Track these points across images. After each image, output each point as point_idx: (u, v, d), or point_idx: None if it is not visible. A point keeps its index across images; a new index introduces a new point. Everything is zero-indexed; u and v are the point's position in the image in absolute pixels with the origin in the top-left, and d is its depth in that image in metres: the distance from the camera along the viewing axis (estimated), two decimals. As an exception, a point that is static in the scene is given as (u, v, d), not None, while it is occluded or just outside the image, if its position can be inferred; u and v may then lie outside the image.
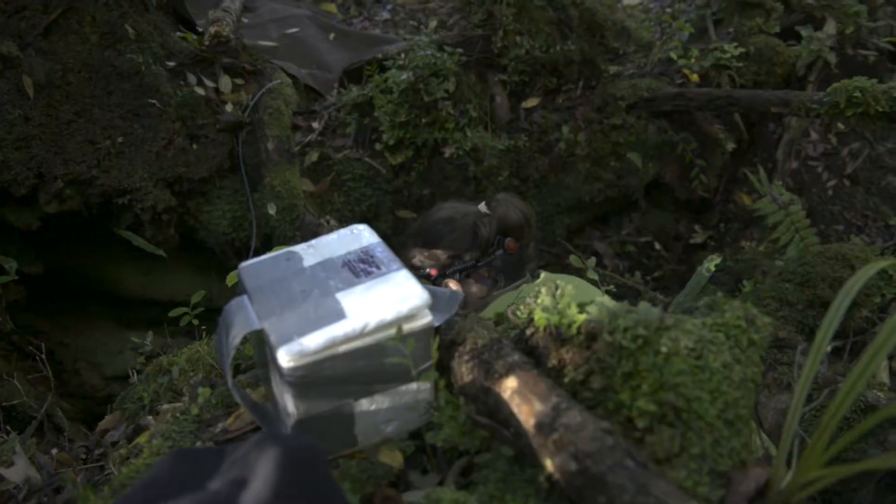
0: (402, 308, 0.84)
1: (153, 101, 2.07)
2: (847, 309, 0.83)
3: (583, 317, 0.83)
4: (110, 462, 1.07)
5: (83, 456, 1.27)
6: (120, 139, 2.00)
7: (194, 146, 2.15)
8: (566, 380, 0.82)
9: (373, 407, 0.88)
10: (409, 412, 0.90)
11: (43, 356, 1.67)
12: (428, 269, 1.79)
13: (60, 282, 2.18)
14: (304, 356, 0.80)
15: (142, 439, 1.09)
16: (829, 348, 1.83)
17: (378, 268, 0.92)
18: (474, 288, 1.81)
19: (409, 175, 2.70)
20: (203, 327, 1.50)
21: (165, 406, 1.09)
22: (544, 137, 3.06)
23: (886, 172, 3.61)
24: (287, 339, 0.81)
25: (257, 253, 2.30)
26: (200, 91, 2.23)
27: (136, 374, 1.35)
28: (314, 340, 0.80)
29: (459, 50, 2.76)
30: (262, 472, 0.64)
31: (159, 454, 0.94)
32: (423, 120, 2.63)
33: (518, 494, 0.74)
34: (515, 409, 0.77)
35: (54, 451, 1.29)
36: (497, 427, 0.79)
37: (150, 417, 1.23)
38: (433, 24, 3.97)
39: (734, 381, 0.79)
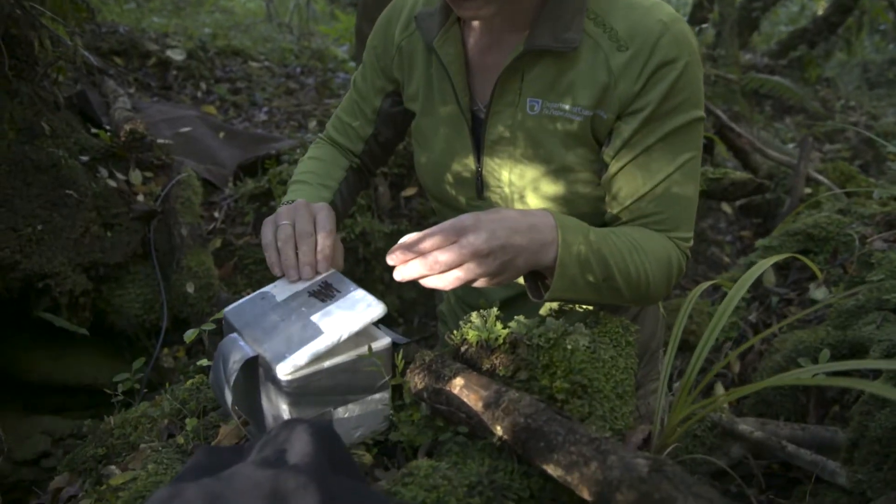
0: (366, 317, 1.07)
1: (70, 192, 2.20)
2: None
3: (506, 331, 1.10)
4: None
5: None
6: (40, 227, 2.10)
7: (109, 234, 2.27)
8: (498, 377, 1.08)
9: (346, 415, 1.09)
10: (374, 418, 1.12)
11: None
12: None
13: (-32, 371, 2.19)
14: (298, 369, 1.01)
15: (121, 479, 1.21)
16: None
17: (339, 291, 1.15)
18: None
19: (304, 258, 2.91)
20: (145, 390, 1.63)
21: (143, 445, 1.23)
22: (423, 221, 3.40)
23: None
24: (281, 358, 1.02)
25: (167, 333, 2.42)
26: (113, 183, 2.37)
27: (88, 435, 1.45)
28: (303, 355, 1.02)
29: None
30: (299, 441, 0.84)
31: (157, 475, 1.10)
32: (318, 207, 2.88)
33: (475, 458, 0.98)
34: (465, 399, 1.02)
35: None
36: (453, 411, 1.03)
37: (113, 467, 1.34)
38: (313, 123, 4.29)
39: (619, 367, 1.08)
